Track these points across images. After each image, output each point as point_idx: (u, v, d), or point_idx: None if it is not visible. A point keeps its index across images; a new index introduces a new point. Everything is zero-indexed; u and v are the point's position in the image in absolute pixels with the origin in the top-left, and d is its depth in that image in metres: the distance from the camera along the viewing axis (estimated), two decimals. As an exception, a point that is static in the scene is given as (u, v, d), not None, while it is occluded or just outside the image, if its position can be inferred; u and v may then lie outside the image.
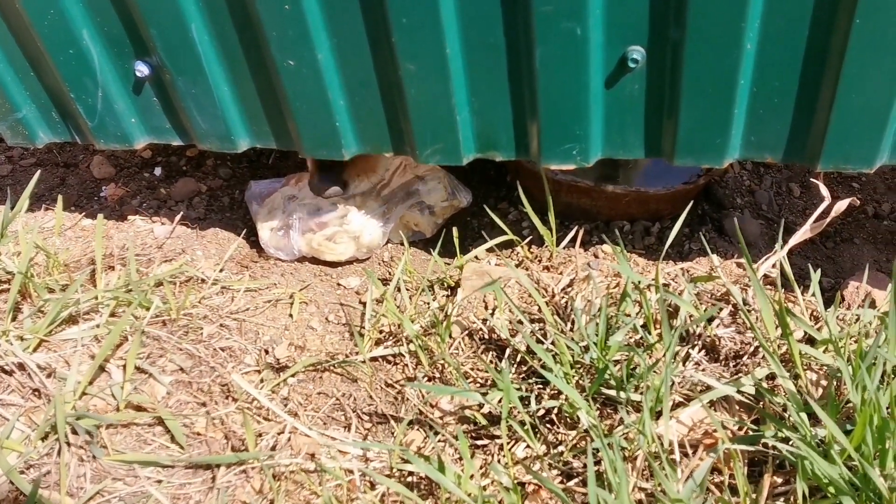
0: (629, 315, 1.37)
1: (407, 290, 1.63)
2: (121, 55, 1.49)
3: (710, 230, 1.75)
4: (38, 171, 1.84)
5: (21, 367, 1.38)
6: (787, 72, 1.25)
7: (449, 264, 1.72)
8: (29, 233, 1.58)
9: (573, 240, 1.68)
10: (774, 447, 1.12)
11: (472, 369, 1.42)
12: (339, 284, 1.71)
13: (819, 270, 1.42)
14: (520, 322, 1.42)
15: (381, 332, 1.54)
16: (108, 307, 1.51)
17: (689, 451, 1.18)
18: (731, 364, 1.33)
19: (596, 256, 1.67)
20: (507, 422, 1.22)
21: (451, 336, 1.49)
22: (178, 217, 1.87)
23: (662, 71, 1.29)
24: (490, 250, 1.71)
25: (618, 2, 1.22)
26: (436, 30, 1.28)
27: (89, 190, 2.04)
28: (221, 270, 1.71)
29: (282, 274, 1.72)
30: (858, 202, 1.58)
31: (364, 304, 1.63)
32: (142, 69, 1.48)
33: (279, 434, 1.33)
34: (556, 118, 1.36)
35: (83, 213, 1.92)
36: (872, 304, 1.47)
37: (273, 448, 1.31)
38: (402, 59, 1.33)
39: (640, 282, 1.37)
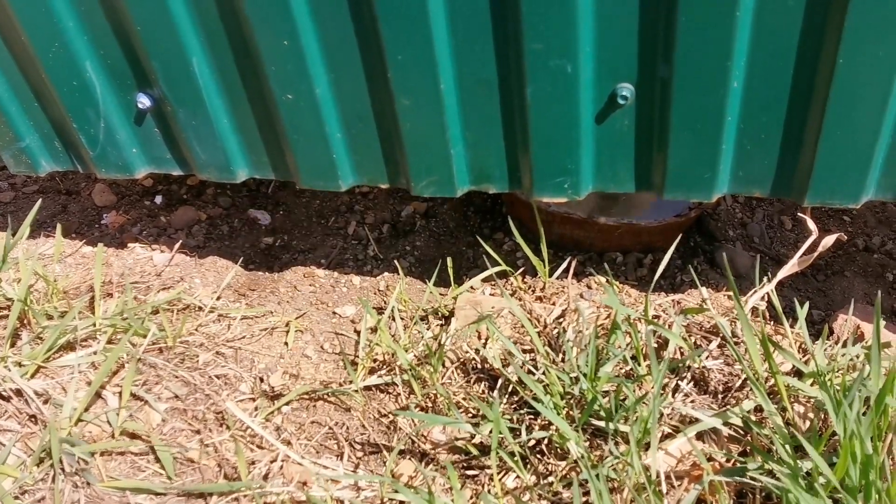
0: (620, 347, 1.39)
1: (401, 318, 1.64)
2: (123, 87, 1.52)
3: (702, 262, 1.77)
4: (39, 200, 1.87)
5: (18, 392, 1.40)
6: (774, 109, 1.28)
7: (444, 294, 1.74)
8: (29, 259, 1.61)
9: (566, 270, 1.70)
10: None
11: (464, 399, 1.43)
12: (334, 313, 1.73)
13: (807, 304, 1.44)
14: (511, 354, 1.43)
15: (375, 360, 1.55)
16: (106, 334, 1.53)
17: (676, 483, 1.19)
18: (720, 396, 1.34)
19: (589, 287, 1.69)
20: (498, 452, 1.23)
21: (444, 366, 1.51)
22: (177, 245, 1.90)
23: (651, 107, 1.32)
24: (485, 279, 1.73)
25: (607, 40, 1.25)
26: (430, 66, 1.31)
27: (90, 217, 2.07)
28: (219, 298, 1.73)
29: (278, 302, 1.74)
30: (845, 238, 1.60)
31: (359, 332, 1.65)
32: (143, 101, 1.51)
33: (272, 462, 1.34)
34: (547, 152, 1.39)
35: (84, 241, 1.95)
36: (861, 337, 1.48)
37: (265, 476, 1.32)
38: (397, 95, 1.36)
39: (629, 315, 1.39)
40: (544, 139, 1.37)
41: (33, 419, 1.38)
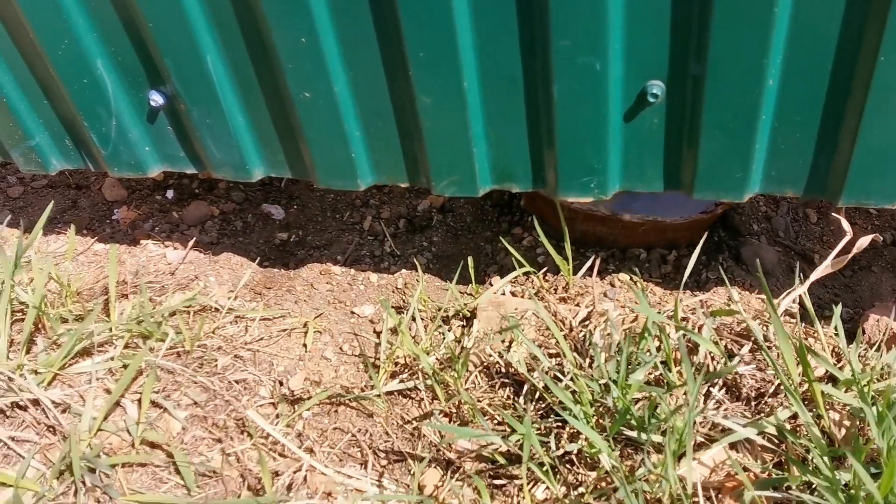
0: (650, 352, 1.36)
1: (422, 319, 1.61)
2: (135, 84, 1.48)
3: (727, 258, 1.73)
4: (52, 202, 1.83)
5: (35, 402, 1.37)
6: (810, 107, 1.23)
7: (463, 292, 1.71)
8: (43, 260, 1.57)
9: (590, 268, 1.66)
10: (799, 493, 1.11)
11: (489, 405, 1.40)
12: (352, 312, 1.70)
13: (840, 304, 1.40)
14: (536, 359, 1.40)
15: (396, 363, 1.52)
16: (123, 339, 1.50)
17: (713, 495, 1.16)
18: (752, 403, 1.31)
19: (612, 285, 1.65)
20: (527, 464, 1.20)
21: (467, 370, 1.47)
22: (191, 242, 1.86)
23: (682, 105, 1.27)
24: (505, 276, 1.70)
25: (637, 37, 1.21)
26: (453, 63, 1.27)
27: (101, 212, 2.03)
28: (235, 298, 1.70)
29: (295, 301, 1.71)
30: (881, 239, 1.56)
31: (378, 333, 1.62)
32: (156, 98, 1.47)
33: (295, 472, 1.31)
34: (573, 151, 1.35)
35: (96, 237, 1.92)
36: (894, 338, 1.45)
37: (289, 487, 1.29)
38: (418, 93, 1.32)
39: (660, 321, 1.35)
40: (570, 138, 1.33)
41: (51, 430, 1.35)
